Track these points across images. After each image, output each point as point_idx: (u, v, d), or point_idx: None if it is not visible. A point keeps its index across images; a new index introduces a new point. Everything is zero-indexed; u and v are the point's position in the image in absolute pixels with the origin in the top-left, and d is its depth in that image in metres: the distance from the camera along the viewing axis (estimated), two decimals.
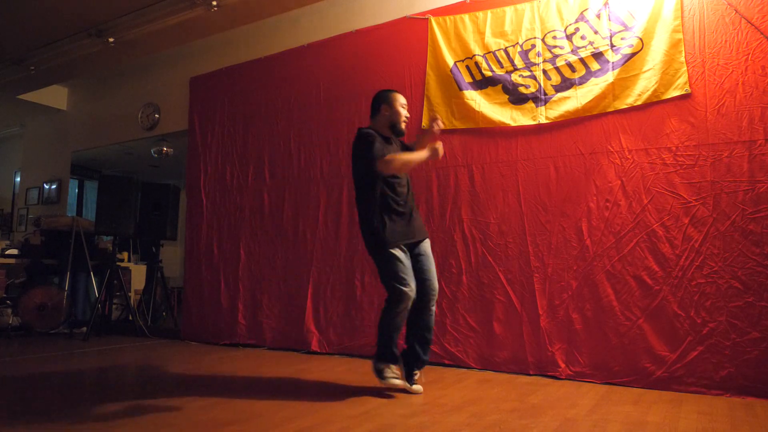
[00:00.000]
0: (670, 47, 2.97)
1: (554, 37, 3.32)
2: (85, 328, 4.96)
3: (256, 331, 4.29)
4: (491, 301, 3.35)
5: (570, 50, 3.26)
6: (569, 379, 3.01)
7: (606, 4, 3.19)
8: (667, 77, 2.97)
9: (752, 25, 2.81)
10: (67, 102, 6.77)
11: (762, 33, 2.78)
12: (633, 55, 3.07)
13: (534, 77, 3.35)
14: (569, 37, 3.28)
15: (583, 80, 3.21)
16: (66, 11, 4.44)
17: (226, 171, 4.71)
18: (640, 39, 3.06)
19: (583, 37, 3.23)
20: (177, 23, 4.49)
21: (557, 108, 3.26)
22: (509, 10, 3.47)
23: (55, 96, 6.63)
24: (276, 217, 4.37)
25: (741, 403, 2.50)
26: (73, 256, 5.27)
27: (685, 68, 2.93)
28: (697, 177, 2.86)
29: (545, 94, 3.31)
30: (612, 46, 3.14)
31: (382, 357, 2.70)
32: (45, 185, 6.85)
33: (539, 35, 3.36)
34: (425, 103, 3.70)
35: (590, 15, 3.23)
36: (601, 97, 3.14)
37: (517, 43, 3.42)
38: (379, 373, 2.69)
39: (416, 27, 3.82)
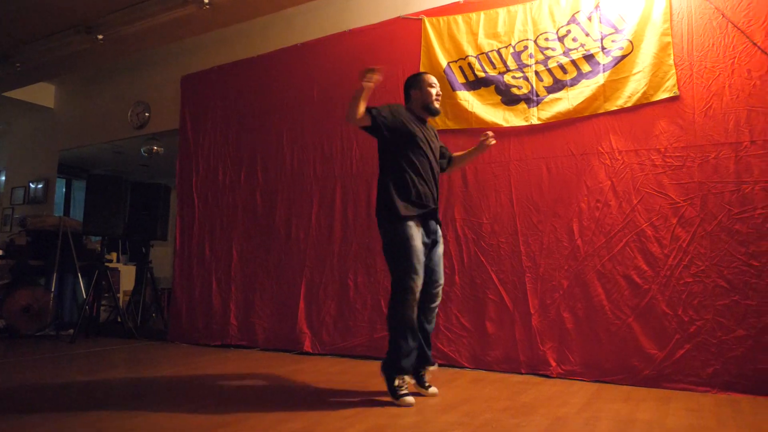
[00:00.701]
0: (660, 50, 3.02)
1: (546, 39, 3.35)
2: (72, 330, 4.90)
3: (248, 331, 4.27)
4: (484, 300, 3.38)
5: (562, 52, 3.30)
6: (560, 378, 3.04)
7: (597, 6, 3.23)
8: (656, 79, 3.02)
9: (738, 29, 2.86)
10: (54, 99, 6.69)
11: (748, 37, 2.84)
12: (623, 57, 3.12)
13: (526, 78, 3.39)
14: (561, 39, 3.32)
15: (574, 82, 3.25)
16: (54, 7, 4.38)
17: (218, 170, 4.69)
18: (630, 42, 3.10)
19: (574, 39, 3.27)
20: (168, 21, 4.45)
21: (549, 109, 3.30)
22: (502, 12, 3.50)
23: (42, 93, 6.55)
24: (269, 217, 4.36)
25: (727, 399, 2.55)
26: (60, 256, 5.20)
27: (674, 71, 2.98)
28: (685, 178, 2.91)
29: (537, 95, 3.35)
30: (603, 48, 3.18)
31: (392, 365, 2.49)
32: (31, 184, 6.76)
33: (531, 37, 3.39)
34: None
35: (581, 17, 3.27)
36: (592, 99, 3.18)
37: (510, 44, 3.45)
38: (392, 392, 2.46)
39: (410, 27, 3.84)
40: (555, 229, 3.23)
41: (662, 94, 3.00)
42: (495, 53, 3.50)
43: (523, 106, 3.38)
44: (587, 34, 3.24)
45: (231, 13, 4.40)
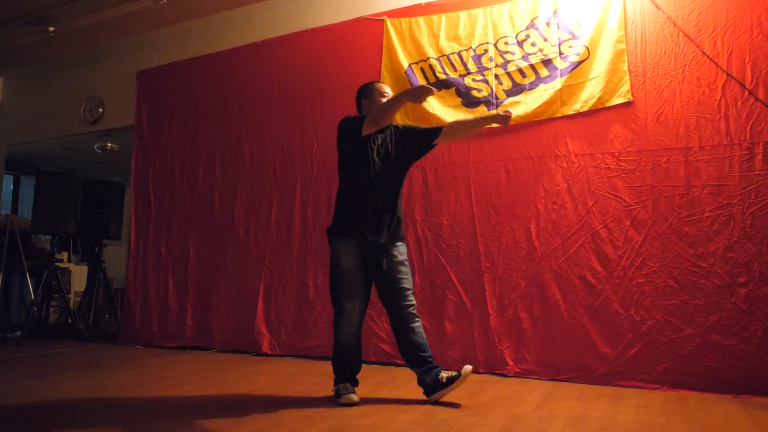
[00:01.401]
0: (614, 56, 3.10)
1: (506, 43, 3.40)
2: (19, 332, 4.69)
3: (205, 333, 4.17)
4: (443, 301, 3.39)
5: (521, 56, 3.35)
6: (517, 377, 3.08)
7: (555, 12, 3.29)
8: (611, 85, 3.10)
9: (688, 37, 2.97)
10: (1, 93, 6.38)
11: (697, 46, 2.94)
12: (580, 63, 3.19)
13: (486, 81, 3.42)
14: (520, 44, 3.37)
15: (533, 86, 3.31)
16: None
17: (175, 168, 4.57)
18: (587, 48, 3.18)
19: (533, 44, 3.33)
20: (124, 14, 4.34)
21: None
22: (463, 15, 3.53)
23: None
24: (227, 216, 4.27)
25: (676, 396, 2.64)
26: (7, 256, 4.98)
27: (628, 77, 3.06)
28: (638, 181, 3.00)
29: (497, 98, 3.39)
30: (560, 53, 3.25)
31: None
32: None
33: (492, 40, 3.43)
34: None
35: (540, 23, 3.33)
36: (549, 103, 3.24)
37: (471, 47, 3.49)
38: (336, 394, 2.48)
39: (372, 28, 3.83)
40: (513, 231, 3.28)
41: (617, 100, 3.08)
42: (456, 56, 3.52)
43: (483, 108, 3.42)
44: (545, 39, 3.30)
45: (189, 8, 4.32)
